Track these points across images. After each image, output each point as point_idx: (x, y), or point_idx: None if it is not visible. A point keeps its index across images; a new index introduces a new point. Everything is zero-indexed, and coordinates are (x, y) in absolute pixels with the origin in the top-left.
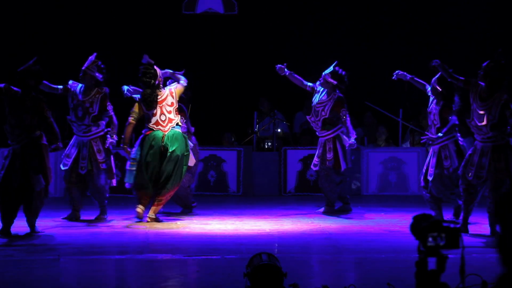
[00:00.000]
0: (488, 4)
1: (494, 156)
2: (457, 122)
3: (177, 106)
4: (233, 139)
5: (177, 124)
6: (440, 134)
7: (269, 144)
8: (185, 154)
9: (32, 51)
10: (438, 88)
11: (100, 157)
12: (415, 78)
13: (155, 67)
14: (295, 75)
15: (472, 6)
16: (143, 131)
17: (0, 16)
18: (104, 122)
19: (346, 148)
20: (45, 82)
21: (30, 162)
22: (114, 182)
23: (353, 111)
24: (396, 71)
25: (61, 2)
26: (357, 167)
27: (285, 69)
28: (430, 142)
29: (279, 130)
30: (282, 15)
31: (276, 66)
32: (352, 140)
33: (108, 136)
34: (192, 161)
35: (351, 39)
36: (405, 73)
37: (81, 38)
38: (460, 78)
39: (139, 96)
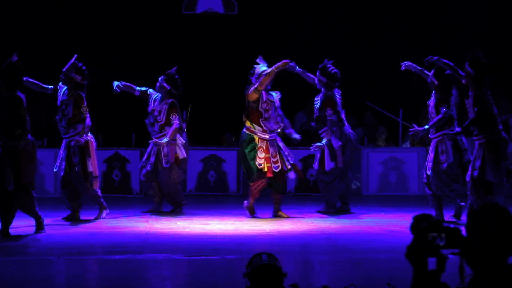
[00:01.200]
0: (488, 4)
1: (477, 154)
2: (446, 116)
3: (247, 106)
4: (233, 139)
5: (246, 125)
6: (426, 127)
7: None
8: (244, 151)
9: (32, 51)
10: (435, 81)
11: (74, 160)
12: (425, 71)
13: (256, 66)
14: (308, 73)
15: (472, 6)
16: None
17: (0, 16)
18: (80, 125)
19: (335, 147)
20: (36, 82)
21: (4, 161)
22: (95, 185)
23: (353, 111)
24: (405, 62)
25: (61, 2)
26: (357, 167)
27: (296, 67)
28: (418, 135)
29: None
30: (282, 15)
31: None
32: (321, 143)
33: (77, 137)
34: (181, 154)
35: (351, 39)
36: (414, 64)
37: (81, 38)
38: (463, 74)
39: (137, 92)
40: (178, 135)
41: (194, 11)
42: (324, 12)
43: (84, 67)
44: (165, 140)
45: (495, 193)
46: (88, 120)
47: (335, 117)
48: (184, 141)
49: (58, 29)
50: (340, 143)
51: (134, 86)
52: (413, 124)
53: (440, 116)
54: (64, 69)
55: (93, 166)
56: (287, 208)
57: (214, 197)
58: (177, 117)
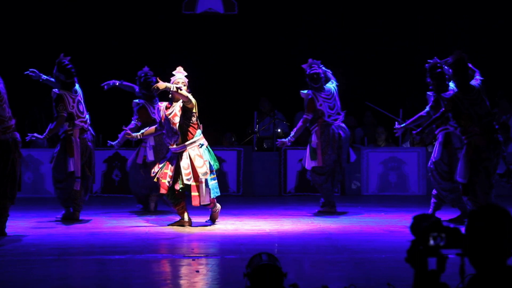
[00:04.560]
0: (488, 4)
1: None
2: (425, 115)
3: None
4: (233, 139)
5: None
6: (403, 124)
7: (269, 144)
8: None
9: (32, 51)
10: (431, 81)
11: (56, 158)
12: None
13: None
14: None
15: (472, 6)
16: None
17: (1, 17)
18: (65, 124)
19: (313, 145)
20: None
21: None
22: (76, 185)
23: (353, 111)
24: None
25: (61, 2)
26: (357, 167)
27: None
28: (398, 132)
29: (279, 130)
30: (282, 15)
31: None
32: (286, 138)
33: (36, 134)
34: (148, 158)
35: (351, 39)
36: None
37: (81, 39)
38: (476, 71)
39: (137, 93)
40: (151, 138)
41: (194, 11)
42: (324, 12)
43: (69, 66)
44: (116, 142)
45: (479, 194)
46: (61, 119)
47: (311, 116)
48: (153, 144)
49: (57, 29)
50: (317, 141)
51: (135, 86)
52: (398, 120)
53: (418, 115)
54: (54, 70)
55: (76, 166)
56: (287, 208)
57: None
58: (135, 117)
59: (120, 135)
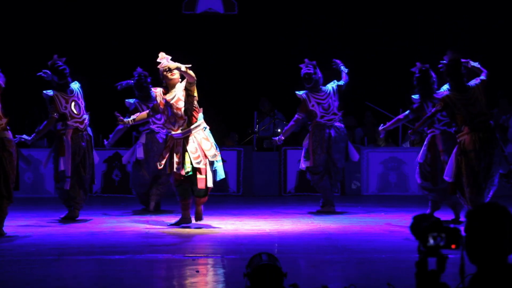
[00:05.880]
0: (488, 4)
1: None
2: (401, 116)
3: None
4: (236, 138)
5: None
6: (384, 126)
7: (269, 144)
8: None
9: (32, 51)
10: (415, 85)
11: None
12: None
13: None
14: (344, 73)
15: (472, 5)
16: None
17: (2, 18)
18: (59, 124)
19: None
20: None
21: None
22: (66, 185)
23: (353, 111)
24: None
25: (61, 2)
26: (357, 167)
27: (341, 66)
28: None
29: (279, 130)
30: (282, 15)
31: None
32: (278, 137)
33: (24, 136)
34: (137, 155)
35: (351, 39)
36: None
37: (81, 38)
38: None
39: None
40: (143, 135)
41: (194, 11)
42: (325, 12)
43: (62, 67)
44: (107, 142)
45: (466, 193)
46: (50, 121)
47: (302, 116)
48: (144, 142)
49: (58, 29)
50: (308, 141)
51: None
52: (381, 124)
53: (396, 117)
54: (49, 72)
55: (66, 165)
56: (287, 208)
57: (214, 197)
58: (124, 118)
59: (111, 135)
